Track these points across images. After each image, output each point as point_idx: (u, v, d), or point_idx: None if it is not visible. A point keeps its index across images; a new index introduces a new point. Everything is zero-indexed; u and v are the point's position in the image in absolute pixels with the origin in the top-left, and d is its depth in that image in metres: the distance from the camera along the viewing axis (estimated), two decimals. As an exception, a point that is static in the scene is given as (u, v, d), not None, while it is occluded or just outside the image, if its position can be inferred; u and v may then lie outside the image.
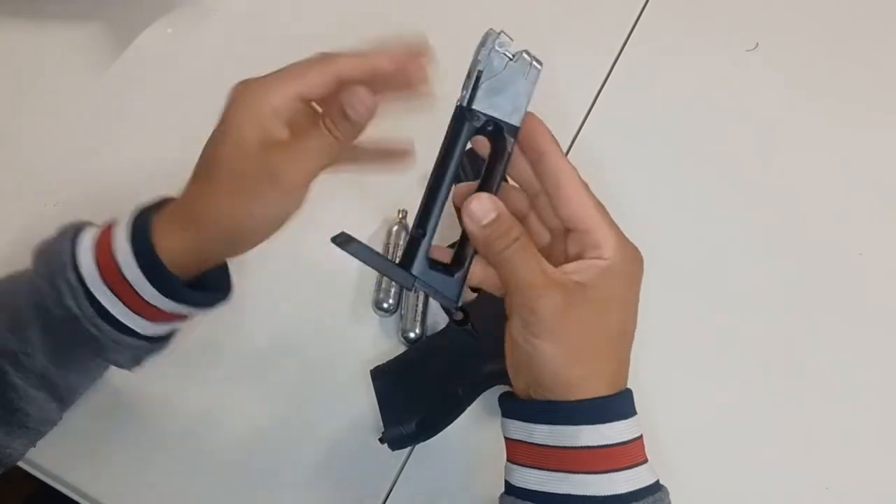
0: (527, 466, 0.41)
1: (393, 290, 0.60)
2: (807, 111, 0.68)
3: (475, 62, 0.41)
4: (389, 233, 0.61)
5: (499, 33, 0.41)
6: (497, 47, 0.41)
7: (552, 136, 0.43)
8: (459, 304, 0.43)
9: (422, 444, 0.56)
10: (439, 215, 0.42)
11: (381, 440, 0.55)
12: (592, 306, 0.41)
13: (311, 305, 0.61)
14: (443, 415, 0.56)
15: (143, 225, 0.45)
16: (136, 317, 0.46)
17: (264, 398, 0.59)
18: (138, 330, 0.47)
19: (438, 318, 0.60)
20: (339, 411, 0.58)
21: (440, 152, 0.42)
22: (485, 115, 0.41)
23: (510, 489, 0.42)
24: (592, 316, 0.41)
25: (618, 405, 0.41)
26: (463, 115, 0.42)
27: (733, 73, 0.70)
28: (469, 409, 0.56)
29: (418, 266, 0.42)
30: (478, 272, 0.43)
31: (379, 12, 0.71)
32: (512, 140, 0.42)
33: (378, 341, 0.60)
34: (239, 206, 0.43)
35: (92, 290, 0.45)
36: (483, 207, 0.41)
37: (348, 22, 0.72)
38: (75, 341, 0.47)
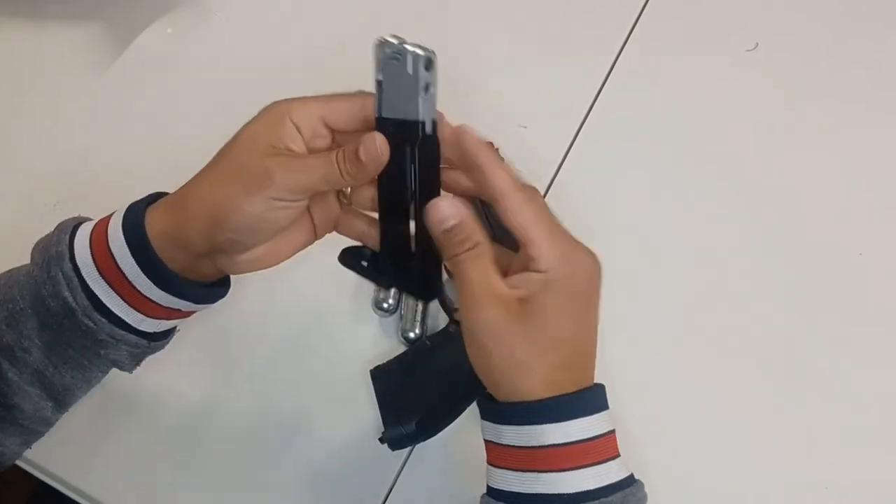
0: (501, 468, 0.42)
1: (392, 290, 0.60)
2: (807, 111, 0.68)
3: (375, 74, 0.42)
4: None
5: (385, 40, 0.41)
6: (387, 50, 0.41)
7: (484, 146, 0.43)
8: (435, 293, 0.45)
9: (422, 444, 0.56)
10: (395, 225, 0.44)
11: (381, 440, 0.55)
12: (531, 319, 0.41)
13: (310, 305, 0.61)
14: (443, 415, 0.56)
15: (136, 215, 0.45)
16: (131, 310, 0.46)
17: (264, 398, 0.59)
18: (134, 325, 0.47)
19: (438, 319, 0.60)
20: (339, 411, 0.58)
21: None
22: (394, 119, 0.42)
23: (489, 491, 0.43)
24: (530, 328, 0.41)
25: (581, 402, 0.41)
26: (380, 127, 0.42)
27: (733, 73, 0.70)
28: (469, 409, 0.56)
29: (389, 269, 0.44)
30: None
31: (379, 12, 0.71)
32: (416, 134, 0.42)
33: (378, 341, 0.60)
34: (225, 194, 0.43)
35: (88, 281, 0.45)
36: (442, 213, 0.42)
37: (348, 21, 0.72)
38: (72, 336, 0.47)
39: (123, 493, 0.56)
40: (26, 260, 0.51)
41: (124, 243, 0.45)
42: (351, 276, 0.60)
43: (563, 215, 0.65)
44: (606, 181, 0.66)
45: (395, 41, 0.41)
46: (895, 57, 0.70)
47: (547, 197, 0.65)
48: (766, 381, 0.58)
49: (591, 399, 0.42)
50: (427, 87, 0.41)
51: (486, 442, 0.44)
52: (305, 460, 0.57)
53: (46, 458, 0.56)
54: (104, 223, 0.46)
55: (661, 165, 0.66)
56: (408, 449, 0.57)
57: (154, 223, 0.45)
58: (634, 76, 0.70)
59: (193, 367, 0.59)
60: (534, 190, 0.44)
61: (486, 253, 0.42)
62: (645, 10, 0.72)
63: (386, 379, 0.57)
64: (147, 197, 0.47)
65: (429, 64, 0.41)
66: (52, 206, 0.65)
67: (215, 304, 0.50)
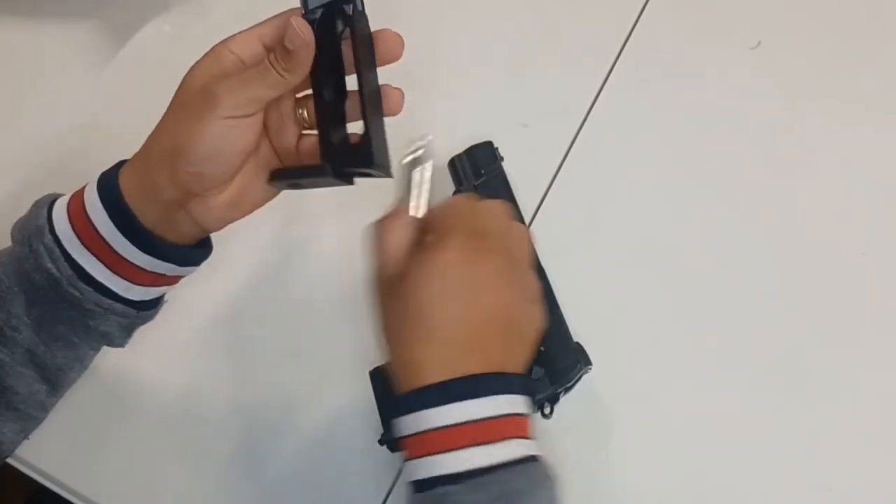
0: (406, 461, 0.43)
1: None
2: (809, 110, 0.68)
3: None
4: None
5: None
6: None
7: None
8: (380, 163, 0.44)
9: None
10: (328, 110, 0.44)
11: (381, 441, 0.54)
12: (406, 297, 0.42)
13: (311, 305, 0.61)
14: (443, 416, 0.55)
15: (109, 178, 0.46)
16: (116, 277, 0.47)
17: (263, 399, 0.59)
18: (121, 293, 0.47)
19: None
20: (338, 412, 0.58)
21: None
22: (319, 5, 0.43)
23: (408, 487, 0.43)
24: (405, 306, 0.42)
25: (459, 387, 0.41)
26: (308, 20, 0.43)
27: (735, 72, 0.69)
28: (469, 410, 0.56)
29: (330, 154, 0.44)
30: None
31: (378, 10, 0.70)
32: (350, 5, 0.43)
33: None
34: (179, 126, 0.44)
35: (69, 250, 0.46)
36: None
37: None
38: (59, 309, 0.47)
39: (122, 495, 0.56)
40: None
41: (101, 207, 0.45)
42: (352, 271, 0.60)
43: (564, 215, 0.65)
44: (607, 181, 0.65)
45: None
46: (898, 56, 0.70)
47: (547, 196, 0.65)
48: (768, 381, 0.58)
49: (485, 384, 0.42)
50: None
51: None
52: (305, 461, 0.57)
53: (45, 459, 0.56)
54: (80, 193, 0.47)
55: (662, 165, 0.66)
56: (407, 450, 0.57)
57: (125, 181, 0.46)
58: (635, 75, 0.69)
59: (192, 368, 0.59)
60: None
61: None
62: (646, 9, 0.72)
63: (386, 379, 0.56)
64: (117, 163, 0.48)
65: None
66: (49, 205, 0.65)
67: (199, 266, 0.50)
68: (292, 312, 0.61)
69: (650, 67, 0.69)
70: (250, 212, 0.48)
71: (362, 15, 0.43)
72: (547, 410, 0.54)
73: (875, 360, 0.59)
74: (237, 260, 0.61)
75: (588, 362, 0.55)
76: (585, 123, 0.67)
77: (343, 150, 0.44)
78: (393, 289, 0.43)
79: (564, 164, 0.66)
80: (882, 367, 0.59)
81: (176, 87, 0.70)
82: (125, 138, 0.67)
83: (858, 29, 0.71)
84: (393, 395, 0.43)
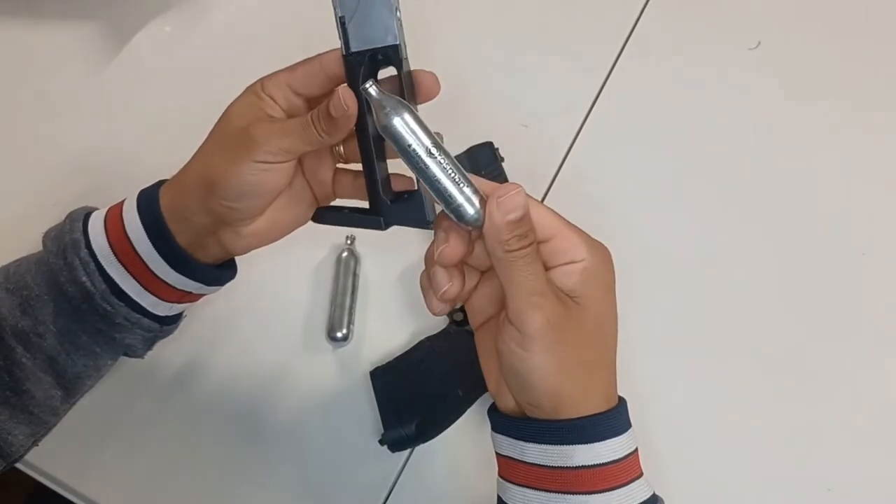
0: (521, 485, 0.40)
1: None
2: (808, 110, 0.68)
3: (335, 11, 0.41)
4: (339, 259, 0.61)
5: None
6: None
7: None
8: (431, 220, 0.43)
9: (422, 445, 0.56)
10: (378, 158, 0.44)
11: (381, 442, 0.55)
12: (583, 316, 0.39)
13: (312, 304, 0.61)
14: (443, 416, 0.55)
15: (149, 197, 0.47)
16: (146, 293, 0.48)
17: (263, 399, 0.59)
18: (149, 308, 0.49)
19: (439, 320, 0.60)
20: (339, 413, 0.58)
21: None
22: (366, 50, 0.41)
23: None
24: (584, 326, 0.39)
25: (612, 421, 0.40)
26: (349, 63, 0.42)
27: (735, 72, 0.69)
28: (469, 410, 0.56)
29: (383, 207, 0.44)
30: (457, 285, 0.41)
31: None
32: (398, 58, 0.42)
33: (380, 341, 0.60)
34: (215, 162, 0.44)
35: (105, 266, 0.47)
36: (515, 202, 0.38)
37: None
38: (88, 321, 0.48)
39: (122, 494, 0.56)
40: (27, 257, 0.51)
41: (140, 225, 0.46)
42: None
43: (564, 215, 0.65)
44: (607, 181, 0.65)
45: None
46: (898, 56, 0.70)
47: (547, 196, 0.65)
48: (769, 381, 0.58)
49: (618, 418, 0.41)
50: (398, 8, 0.41)
51: (502, 457, 0.42)
52: (306, 462, 0.57)
53: (45, 458, 0.56)
54: (117, 209, 0.48)
55: (662, 165, 0.66)
56: (408, 451, 0.57)
57: (162, 201, 0.47)
58: (635, 75, 0.69)
59: (191, 370, 0.59)
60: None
61: (537, 252, 0.40)
62: (646, 9, 0.72)
63: (386, 380, 0.57)
64: (157, 183, 0.48)
65: None
66: (51, 205, 0.65)
67: (223, 286, 0.51)
68: (293, 312, 0.61)
69: (650, 67, 0.70)
70: (277, 239, 0.49)
71: (406, 63, 0.42)
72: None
73: (874, 361, 0.59)
74: (237, 260, 0.61)
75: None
76: (585, 124, 0.67)
77: (396, 206, 0.44)
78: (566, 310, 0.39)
79: (565, 165, 0.66)
80: (881, 367, 0.59)
81: (176, 87, 0.71)
82: (126, 139, 0.68)
83: (858, 29, 0.71)
84: (519, 417, 0.41)
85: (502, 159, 0.60)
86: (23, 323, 0.48)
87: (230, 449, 0.57)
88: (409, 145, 0.39)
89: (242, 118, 0.44)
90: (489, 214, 0.39)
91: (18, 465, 0.56)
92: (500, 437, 0.42)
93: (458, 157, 0.59)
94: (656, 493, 0.42)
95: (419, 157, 0.39)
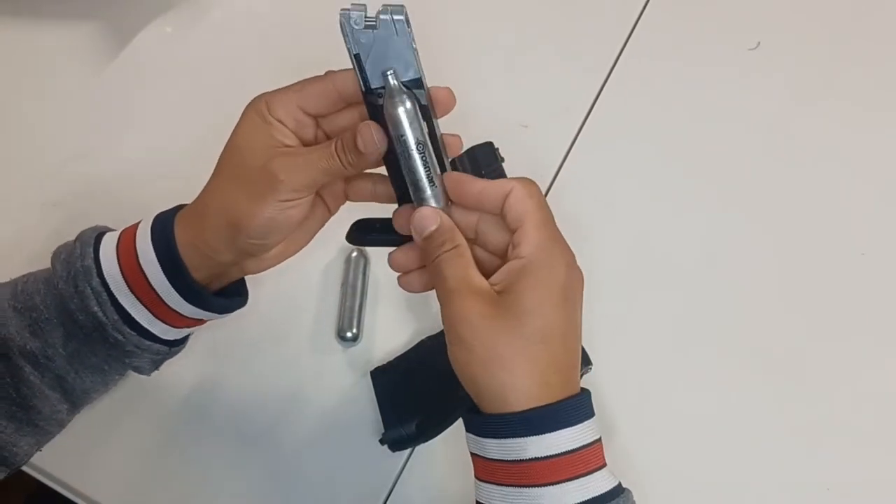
0: (486, 482, 0.41)
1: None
2: (808, 110, 0.68)
3: (348, 49, 0.41)
4: (348, 259, 0.62)
5: (349, 11, 0.40)
6: (355, 25, 0.40)
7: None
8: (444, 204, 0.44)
9: (422, 445, 0.56)
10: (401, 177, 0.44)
11: (382, 441, 0.55)
12: (511, 309, 0.40)
13: (311, 304, 0.61)
14: (443, 416, 0.55)
15: (164, 229, 0.46)
16: (158, 322, 0.47)
17: (263, 399, 0.59)
18: (160, 335, 0.48)
19: (438, 320, 0.60)
20: (339, 412, 0.58)
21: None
22: (381, 86, 0.42)
23: None
24: (507, 324, 0.40)
25: (562, 413, 0.40)
26: (369, 100, 0.42)
27: (734, 73, 0.69)
28: (469, 410, 0.56)
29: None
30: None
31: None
32: (421, 91, 0.42)
33: (381, 340, 0.60)
34: (238, 202, 0.44)
35: (118, 296, 0.46)
36: (422, 224, 0.43)
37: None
38: (98, 347, 0.48)
39: (122, 494, 0.56)
40: (26, 259, 0.51)
41: (154, 258, 0.45)
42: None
43: (564, 215, 0.65)
44: (607, 181, 0.66)
45: (359, 10, 0.40)
46: (897, 56, 0.70)
47: (547, 197, 0.65)
48: (768, 381, 0.58)
49: (576, 408, 0.40)
50: (413, 39, 0.41)
51: (472, 455, 0.42)
52: (306, 461, 0.57)
53: (45, 458, 0.56)
54: (130, 235, 0.47)
55: (662, 165, 0.66)
56: (408, 450, 0.57)
57: (180, 235, 0.46)
58: (635, 76, 0.69)
59: (193, 369, 0.59)
60: (533, 183, 0.43)
61: (465, 253, 0.42)
62: (646, 10, 0.72)
63: (386, 380, 0.57)
64: (172, 209, 0.47)
65: (408, 20, 0.40)
66: (51, 206, 0.65)
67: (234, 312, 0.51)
68: (302, 313, 0.61)
69: (650, 67, 0.70)
70: (294, 254, 0.49)
71: (426, 95, 0.43)
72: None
73: (874, 360, 0.59)
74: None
75: (588, 362, 0.55)
76: (586, 124, 0.68)
77: None
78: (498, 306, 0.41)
79: (565, 165, 0.66)
80: (880, 366, 0.59)
81: (176, 87, 0.71)
82: (126, 139, 0.68)
83: (858, 29, 0.71)
84: (479, 414, 0.41)
85: (502, 159, 0.60)
86: (32, 345, 0.47)
87: (231, 448, 0.57)
88: (402, 135, 0.42)
89: (255, 151, 0.43)
90: (412, 231, 0.43)
91: (19, 465, 0.56)
92: (468, 435, 0.43)
93: (458, 156, 0.60)
94: (628, 487, 0.42)
95: (408, 146, 0.42)
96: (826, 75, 0.69)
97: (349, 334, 0.59)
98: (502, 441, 0.40)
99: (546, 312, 0.40)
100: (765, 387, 0.58)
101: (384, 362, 0.58)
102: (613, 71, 0.70)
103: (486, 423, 0.40)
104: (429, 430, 0.55)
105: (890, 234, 0.63)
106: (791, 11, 0.72)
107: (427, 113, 0.42)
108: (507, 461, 0.40)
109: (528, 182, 0.43)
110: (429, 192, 0.43)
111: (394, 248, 0.46)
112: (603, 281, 0.61)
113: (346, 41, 0.41)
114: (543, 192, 0.65)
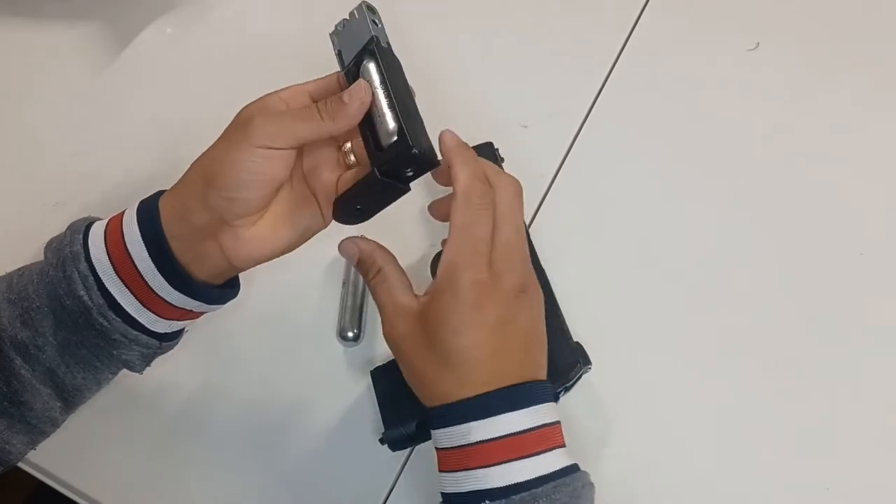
0: (442, 472, 0.43)
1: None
2: (807, 111, 0.68)
3: (334, 49, 0.47)
4: (348, 266, 0.62)
5: (336, 28, 0.47)
6: (339, 28, 0.47)
7: (458, 146, 0.46)
8: (426, 146, 0.44)
9: (422, 445, 0.56)
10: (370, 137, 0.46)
11: (382, 441, 0.55)
12: (426, 333, 0.43)
13: (312, 305, 0.61)
14: (443, 416, 0.55)
15: (149, 209, 0.46)
16: (145, 310, 0.47)
17: (263, 399, 0.59)
18: (147, 325, 0.48)
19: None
20: (339, 412, 0.58)
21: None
22: (354, 56, 0.46)
23: (442, 498, 0.44)
24: (426, 341, 0.43)
25: (509, 397, 0.42)
26: (350, 79, 0.46)
27: (734, 73, 0.70)
28: (469, 409, 0.56)
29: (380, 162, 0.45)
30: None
31: (380, 12, 0.70)
32: (375, 44, 0.45)
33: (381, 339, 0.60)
34: (215, 151, 0.45)
35: (104, 280, 0.46)
36: (347, 251, 0.48)
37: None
38: (86, 335, 0.47)
39: (122, 493, 0.56)
40: (27, 259, 0.50)
41: (140, 240, 0.46)
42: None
43: (564, 215, 0.65)
44: (607, 181, 0.66)
45: (341, 23, 0.47)
46: (897, 56, 0.70)
47: (547, 197, 0.65)
48: (767, 381, 0.58)
49: (521, 394, 0.43)
50: (375, 22, 0.46)
51: (436, 451, 0.44)
52: (306, 461, 0.57)
53: (45, 458, 0.56)
54: (117, 221, 0.47)
55: (662, 165, 0.66)
56: (408, 449, 0.57)
57: (164, 208, 0.46)
58: (635, 76, 0.69)
59: (193, 368, 0.59)
60: (477, 190, 0.44)
61: (389, 275, 0.46)
62: (645, 10, 0.72)
63: (386, 379, 0.57)
64: (156, 193, 0.48)
65: (370, 8, 0.46)
66: (51, 205, 0.65)
67: (225, 305, 0.51)
68: (302, 312, 0.61)
69: (650, 68, 0.70)
70: (280, 254, 0.48)
71: (388, 51, 0.46)
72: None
73: (873, 360, 0.59)
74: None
75: (588, 362, 0.55)
76: (585, 124, 0.68)
77: (386, 151, 0.44)
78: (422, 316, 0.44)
79: (564, 165, 0.66)
80: (880, 366, 0.59)
81: (176, 87, 0.71)
82: (126, 140, 0.68)
83: (858, 29, 0.71)
84: (429, 406, 0.44)
85: (502, 159, 0.60)
86: (22, 334, 0.47)
87: (231, 448, 0.57)
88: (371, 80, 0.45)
89: (244, 118, 0.45)
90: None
91: (19, 464, 0.56)
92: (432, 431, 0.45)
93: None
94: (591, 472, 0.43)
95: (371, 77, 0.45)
96: (825, 76, 0.69)
97: (350, 334, 0.59)
98: (448, 429, 0.43)
99: (461, 333, 0.43)
100: (764, 386, 0.58)
101: (384, 362, 0.58)
102: (613, 71, 0.70)
103: (434, 416, 0.44)
104: (429, 429, 0.55)
105: (890, 234, 0.63)
106: (790, 12, 0.72)
107: (392, 69, 0.45)
108: (453, 447, 0.42)
109: (471, 190, 0.44)
110: (392, 125, 0.44)
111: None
112: (602, 281, 0.62)
113: (332, 41, 0.47)
114: (543, 193, 0.65)
